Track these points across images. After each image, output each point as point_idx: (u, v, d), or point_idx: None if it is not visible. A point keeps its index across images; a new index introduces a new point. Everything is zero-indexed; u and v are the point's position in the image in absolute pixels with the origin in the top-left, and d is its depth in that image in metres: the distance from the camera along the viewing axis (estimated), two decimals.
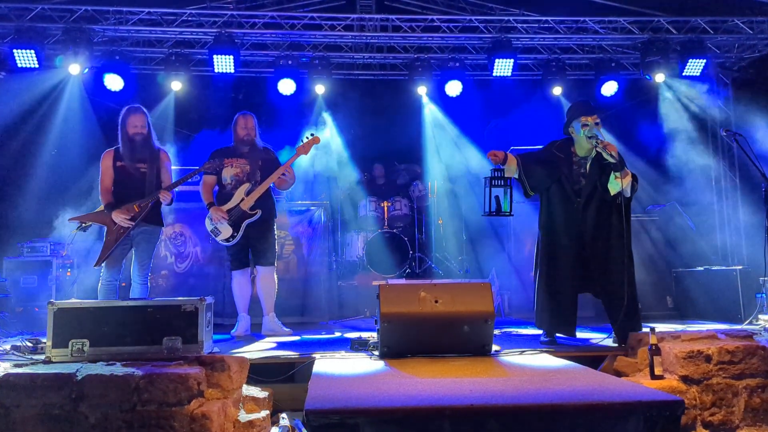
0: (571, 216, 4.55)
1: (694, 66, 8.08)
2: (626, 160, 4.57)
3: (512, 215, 4.67)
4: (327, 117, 8.94)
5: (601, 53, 8.53)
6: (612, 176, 4.38)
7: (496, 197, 4.56)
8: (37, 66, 7.46)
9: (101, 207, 5.03)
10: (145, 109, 5.16)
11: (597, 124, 4.48)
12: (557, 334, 4.60)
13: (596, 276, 4.48)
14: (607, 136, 4.65)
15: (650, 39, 8.16)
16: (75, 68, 7.58)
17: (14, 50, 7.34)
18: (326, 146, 8.63)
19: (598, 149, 4.37)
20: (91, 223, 5.01)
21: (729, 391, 3.59)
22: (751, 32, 8.13)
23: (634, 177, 4.45)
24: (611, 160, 4.28)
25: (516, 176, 4.68)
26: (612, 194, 4.42)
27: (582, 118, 4.51)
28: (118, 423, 3.03)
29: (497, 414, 2.57)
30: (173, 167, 5.63)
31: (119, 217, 4.88)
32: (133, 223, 4.90)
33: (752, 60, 8.55)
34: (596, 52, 8.55)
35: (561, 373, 3.38)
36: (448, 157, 9.06)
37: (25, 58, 7.38)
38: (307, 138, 5.59)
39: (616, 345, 4.34)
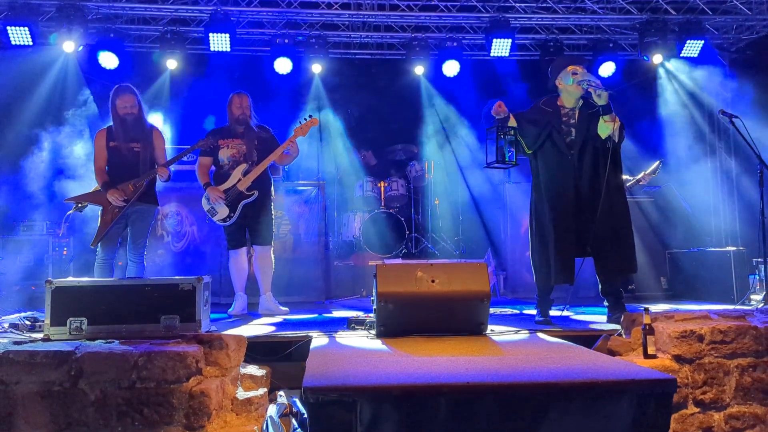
0: (566, 169, 4.57)
1: (693, 47, 8.06)
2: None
3: (518, 164, 4.69)
4: (324, 99, 8.90)
5: (599, 34, 8.49)
6: (601, 120, 4.44)
7: (500, 147, 4.56)
8: (30, 43, 7.39)
9: (97, 187, 5.02)
10: (134, 88, 5.11)
11: (586, 74, 4.56)
12: (558, 284, 4.62)
13: (590, 228, 4.49)
14: None
15: (649, 19, 8.13)
16: (69, 46, 7.52)
17: (7, 27, 7.26)
18: (323, 126, 8.60)
19: (591, 88, 4.42)
20: (87, 203, 5.01)
21: (720, 370, 3.63)
22: (749, 13, 8.09)
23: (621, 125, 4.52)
24: (600, 101, 4.39)
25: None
26: (603, 138, 4.46)
27: (570, 67, 4.59)
28: (118, 400, 3.06)
29: (493, 392, 2.60)
30: (168, 146, 5.61)
31: (113, 197, 4.88)
32: (125, 204, 4.89)
33: (751, 41, 8.52)
34: (594, 33, 8.51)
35: (555, 352, 3.42)
36: (445, 137, 9.07)
37: (19, 35, 7.30)
38: (305, 120, 5.57)
39: (611, 325, 4.37)
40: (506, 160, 4.56)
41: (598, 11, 8.15)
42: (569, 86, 4.60)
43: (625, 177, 5.94)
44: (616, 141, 4.46)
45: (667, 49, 8.15)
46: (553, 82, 4.74)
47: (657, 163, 6.60)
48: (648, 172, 6.54)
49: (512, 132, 4.57)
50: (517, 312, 5.54)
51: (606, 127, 4.44)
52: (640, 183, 6.56)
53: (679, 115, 8.45)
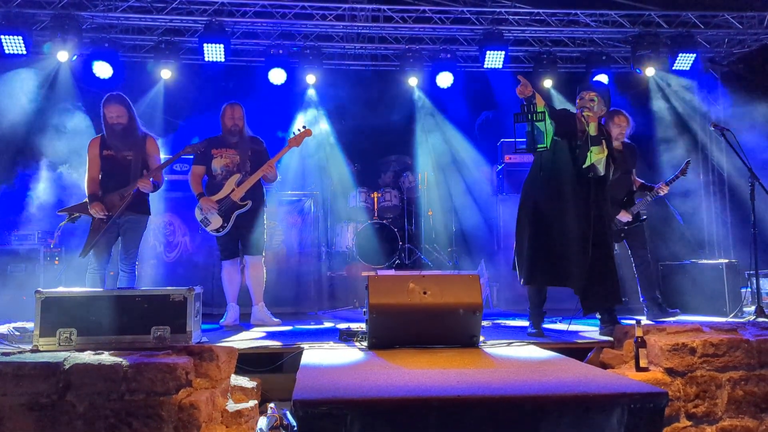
0: (567, 181, 4.55)
1: (684, 60, 8.13)
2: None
3: (548, 149, 4.41)
4: (318, 110, 8.92)
5: (592, 46, 8.57)
6: (591, 148, 4.48)
7: (529, 132, 4.41)
8: (24, 52, 7.40)
9: None
10: (124, 97, 5.06)
11: (591, 101, 4.59)
12: (558, 286, 4.58)
13: (576, 251, 4.45)
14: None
15: (641, 33, 8.20)
16: (63, 55, 7.52)
17: (2, 36, 7.26)
18: (317, 136, 8.61)
19: (581, 115, 4.54)
20: (80, 214, 4.98)
21: (712, 384, 3.63)
22: (740, 27, 8.17)
23: (612, 158, 4.56)
24: (589, 131, 4.45)
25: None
26: (585, 165, 4.47)
27: (584, 92, 4.66)
28: (106, 412, 3.03)
29: (484, 405, 2.59)
30: (162, 156, 5.59)
31: (93, 210, 4.85)
32: (106, 217, 4.85)
33: (742, 55, 8.60)
34: (587, 45, 8.59)
35: (547, 365, 3.41)
36: (439, 148, 9.10)
37: (13, 44, 7.31)
38: (299, 130, 5.57)
39: (603, 338, 4.36)
40: (537, 147, 4.38)
41: (590, 24, 8.22)
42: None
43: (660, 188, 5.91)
44: (601, 174, 4.48)
45: (659, 62, 8.22)
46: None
47: (687, 162, 6.32)
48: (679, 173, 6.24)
49: (540, 116, 4.35)
50: (510, 324, 5.53)
51: (591, 157, 4.45)
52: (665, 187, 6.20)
53: (671, 128, 8.51)
